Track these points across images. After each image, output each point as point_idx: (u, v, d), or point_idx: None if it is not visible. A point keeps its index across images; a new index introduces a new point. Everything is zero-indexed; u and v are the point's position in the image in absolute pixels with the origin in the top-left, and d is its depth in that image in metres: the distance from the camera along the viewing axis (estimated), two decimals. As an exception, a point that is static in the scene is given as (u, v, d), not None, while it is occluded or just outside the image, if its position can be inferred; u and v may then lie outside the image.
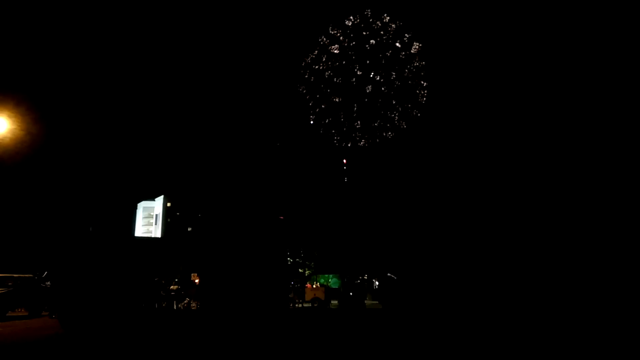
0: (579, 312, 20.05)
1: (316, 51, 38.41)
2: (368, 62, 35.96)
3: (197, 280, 32.03)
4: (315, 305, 29.44)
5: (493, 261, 26.13)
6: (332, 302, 31.38)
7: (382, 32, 34.75)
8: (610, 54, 24.56)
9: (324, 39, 37.81)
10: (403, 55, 34.18)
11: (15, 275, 20.98)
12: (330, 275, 42.55)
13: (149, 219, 78.98)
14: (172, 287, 27.81)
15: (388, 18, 33.92)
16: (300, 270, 41.82)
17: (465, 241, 28.61)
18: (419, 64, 33.40)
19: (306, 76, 40.98)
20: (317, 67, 39.77)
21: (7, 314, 18.88)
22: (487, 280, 25.20)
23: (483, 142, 30.06)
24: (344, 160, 41.06)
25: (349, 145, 40.51)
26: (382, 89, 36.56)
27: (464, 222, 29.49)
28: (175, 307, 26.57)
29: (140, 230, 77.29)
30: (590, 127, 25.05)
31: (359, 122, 41.83)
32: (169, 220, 75.91)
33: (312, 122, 43.16)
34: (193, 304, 27.63)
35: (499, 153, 29.00)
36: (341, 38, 36.98)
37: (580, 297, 21.58)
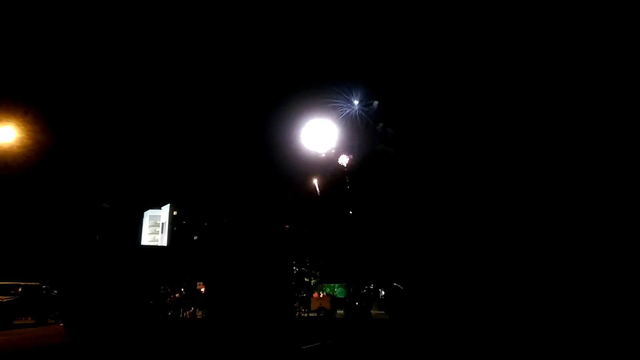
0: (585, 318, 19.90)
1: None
2: None
3: (202, 289, 31.98)
4: (321, 314, 29.27)
5: (500, 270, 25.96)
6: (337, 311, 31.19)
7: None
8: (610, 54, 24.53)
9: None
10: None
11: (21, 283, 21.04)
12: (336, 285, 42.37)
13: (155, 228, 79.20)
14: (176, 295, 27.79)
15: None
16: (306, 279, 41.69)
17: (471, 250, 28.47)
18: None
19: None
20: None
21: (13, 322, 18.91)
22: (493, 290, 25.02)
23: (487, 149, 30.00)
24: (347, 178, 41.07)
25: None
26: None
27: (470, 231, 29.36)
28: (181, 316, 26.54)
29: (146, 239, 77.50)
30: (590, 127, 24.96)
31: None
32: (175, 228, 76.06)
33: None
34: (199, 313, 27.57)
35: (502, 159, 28.93)
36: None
37: (585, 302, 21.43)
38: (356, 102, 46.21)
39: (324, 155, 48.34)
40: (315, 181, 49.23)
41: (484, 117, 29.97)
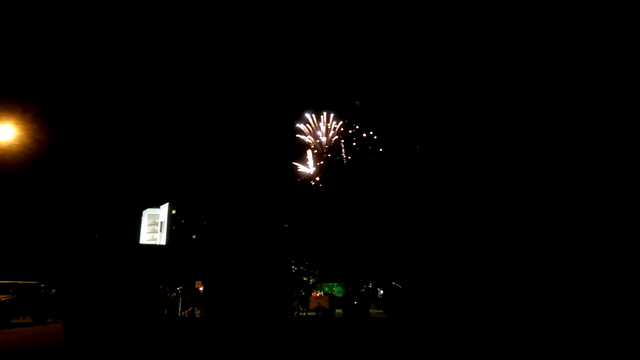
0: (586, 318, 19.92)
1: None
2: None
3: (201, 288, 32.04)
4: (320, 313, 29.30)
5: (499, 269, 25.97)
6: (336, 310, 31.21)
7: None
8: (610, 54, 24.53)
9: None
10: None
11: (20, 282, 21.00)
12: (335, 284, 42.42)
13: (154, 226, 79.22)
14: (173, 294, 27.82)
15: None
16: (304, 278, 41.71)
17: (470, 249, 28.47)
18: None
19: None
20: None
21: (11, 321, 18.88)
22: (493, 289, 25.03)
23: (486, 147, 29.99)
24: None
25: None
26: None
27: (469, 230, 29.36)
28: (179, 315, 26.55)
29: (145, 238, 77.55)
30: (590, 127, 24.96)
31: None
32: (173, 227, 76.07)
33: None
34: (197, 312, 27.59)
35: (502, 158, 28.92)
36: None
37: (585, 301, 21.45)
38: (356, 102, 46.33)
39: (324, 155, 48.46)
40: (312, 177, 49.36)
41: (484, 115, 29.98)
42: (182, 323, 23.08)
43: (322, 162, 50.30)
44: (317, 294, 35.63)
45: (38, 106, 28.28)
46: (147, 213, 79.62)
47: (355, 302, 30.61)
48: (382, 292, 39.35)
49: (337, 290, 41.12)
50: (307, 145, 51.53)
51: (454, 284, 26.78)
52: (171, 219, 77.35)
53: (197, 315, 27.29)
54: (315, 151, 51.29)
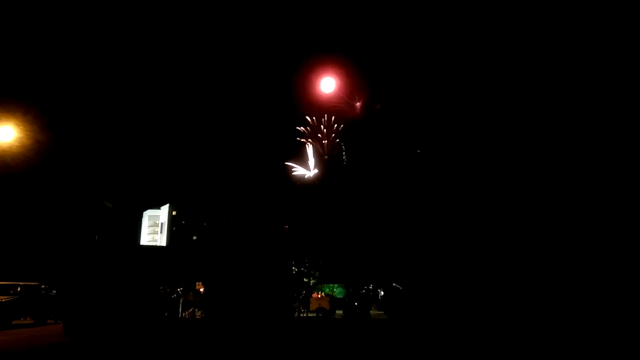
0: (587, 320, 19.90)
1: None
2: None
3: (202, 289, 32.05)
4: (320, 314, 29.30)
5: (499, 270, 25.95)
6: (337, 311, 31.21)
7: None
8: (610, 54, 24.49)
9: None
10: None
11: (20, 283, 21.02)
12: (335, 285, 42.42)
13: (154, 228, 79.20)
14: (173, 295, 27.83)
15: None
16: (305, 279, 41.72)
17: (471, 250, 28.44)
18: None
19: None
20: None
21: (12, 322, 18.89)
22: (493, 290, 25.01)
23: (487, 148, 29.96)
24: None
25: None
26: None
27: (470, 231, 29.34)
28: (180, 316, 26.57)
29: (145, 239, 77.52)
30: (590, 127, 24.93)
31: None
32: (174, 228, 76.05)
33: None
34: (198, 313, 27.60)
35: (501, 161, 28.90)
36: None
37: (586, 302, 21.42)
38: (357, 104, 46.39)
39: (326, 157, 48.50)
40: (312, 179, 49.39)
41: (484, 115, 29.96)
42: (183, 324, 23.09)
43: (322, 164, 50.32)
44: (318, 295, 35.64)
45: (38, 107, 28.33)
46: (148, 214, 79.62)
47: (356, 303, 30.60)
48: (382, 293, 39.35)
49: (337, 291, 41.13)
50: (307, 147, 51.53)
51: (454, 286, 26.76)
52: (171, 220, 77.35)
53: (198, 316, 27.29)
54: (316, 153, 51.30)
